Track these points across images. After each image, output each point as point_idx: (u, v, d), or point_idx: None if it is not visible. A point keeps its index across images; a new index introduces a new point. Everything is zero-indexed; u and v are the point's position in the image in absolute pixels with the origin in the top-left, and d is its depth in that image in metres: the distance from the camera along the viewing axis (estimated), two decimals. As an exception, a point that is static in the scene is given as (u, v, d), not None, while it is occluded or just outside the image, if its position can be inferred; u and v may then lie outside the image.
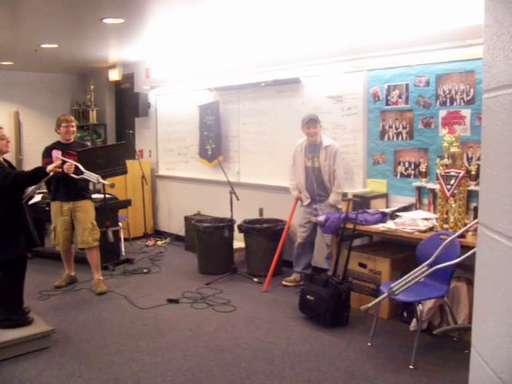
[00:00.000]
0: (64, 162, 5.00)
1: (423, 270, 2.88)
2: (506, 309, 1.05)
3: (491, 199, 1.12)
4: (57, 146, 5.64)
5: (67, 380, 3.64)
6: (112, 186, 5.34)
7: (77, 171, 5.14)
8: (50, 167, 4.50)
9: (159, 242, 8.01)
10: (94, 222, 5.65)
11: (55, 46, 7.13)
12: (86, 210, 5.60)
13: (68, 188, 5.46)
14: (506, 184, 1.03)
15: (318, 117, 5.42)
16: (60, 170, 4.68)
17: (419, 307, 3.83)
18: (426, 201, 4.93)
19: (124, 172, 5.94)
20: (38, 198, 6.97)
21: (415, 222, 4.54)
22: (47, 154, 5.58)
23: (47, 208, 6.73)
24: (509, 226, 1.03)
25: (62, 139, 5.64)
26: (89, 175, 5.14)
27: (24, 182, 4.32)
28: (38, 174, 4.43)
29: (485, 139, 1.15)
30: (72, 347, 4.18)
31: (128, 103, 9.11)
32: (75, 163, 5.10)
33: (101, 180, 5.16)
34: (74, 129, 5.72)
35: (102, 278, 5.71)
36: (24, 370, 3.77)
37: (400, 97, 5.14)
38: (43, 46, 7.09)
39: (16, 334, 4.03)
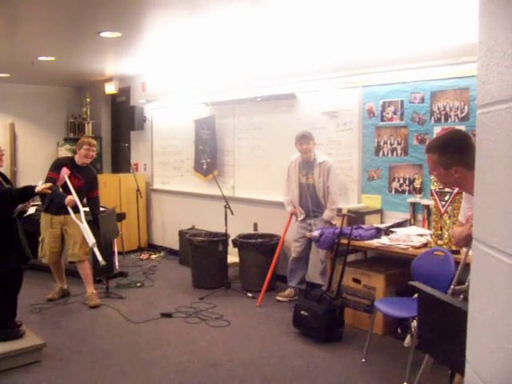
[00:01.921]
0: (54, 185, 4.92)
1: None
2: (498, 322, 1.05)
3: (486, 214, 1.12)
4: (69, 163, 5.52)
5: (58, 394, 3.60)
6: (103, 265, 5.19)
7: (75, 208, 5.22)
8: (38, 188, 4.33)
9: (153, 256, 7.97)
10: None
11: (52, 58, 7.15)
12: (77, 224, 5.40)
13: (60, 202, 5.35)
14: (500, 199, 1.04)
15: (312, 134, 5.44)
16: (49, 191, 4.49)
17: (413, 323, 3.82)
18: (420, 217, 4.94)
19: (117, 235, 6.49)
20: (31, 210, 6.94)
21: (409, 237, 4.54)
22: (56, 168, 5.44)
23: (40, 220, 6.72)
24: (504, 241, 1.03)
25: (78, 160, 5.56)
26: (87, 233, 5.16)
27: (11, 200, 4.21)
28: (25, 194, 4.29)
29: (479, 154, 1.16)
30: (63, 361, 4.14)
31: (124, 116, 9.12)
32: (77, 201, 5.19)
33: (95, 249, 5.11)
34: (94, 154, 5.67)
35: (94, 291, 5.64)
36: (15, 383, 3.73)
37: (395, 113, 5.17)
38: (40, 58, 7.11)
39: (7, 347, 3.99)
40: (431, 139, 2.64)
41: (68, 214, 5.35)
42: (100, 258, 5.05)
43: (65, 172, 5.32)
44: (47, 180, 5.11)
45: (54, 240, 5.56)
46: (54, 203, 5.38)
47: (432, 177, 4.50)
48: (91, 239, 5.12)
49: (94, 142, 5.67)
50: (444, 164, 2.50)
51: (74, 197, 5.21)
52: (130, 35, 5.87)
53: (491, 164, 1.08)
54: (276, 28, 5.56)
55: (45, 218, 5.61)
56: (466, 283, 2.72)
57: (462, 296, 2.72)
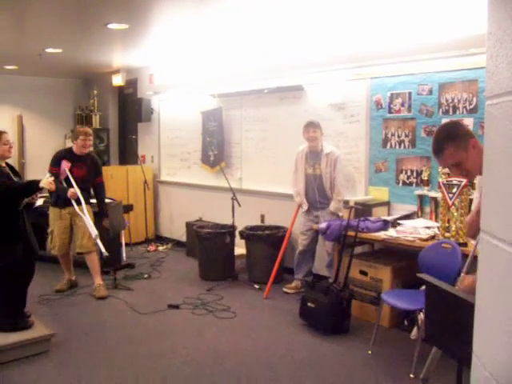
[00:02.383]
0: (56, 177, 5.00)
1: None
2: (506, 315, 1.05)
3: (494, 206, 1.12)
4: (68, 155, 5.55)
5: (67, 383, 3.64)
6: (106, 256, 5.13)
7: (78, 201, 5.26)
8: (42, 183, 4.39)
9: (160, 248, 8.00)
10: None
11: (59, 50, 7.15)
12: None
13: (64, 195, 5.36)
14: (509, 191, 1.03)
15: (320, 123, 5.42)
16: (53, 188, 4.61)
17: (420, 315, 3.82)
18: (427, 209, 4.93)
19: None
20: (39, 202, 6.98)
21: (417, 230, 4.53)
22: (55, 163, 5.46)
23: (49, 212, 6.75)
24: (510, 233, 1.02)
25: (77, 151, 5.57)
26: (90, 225, 5.17)
27: (15, 195, 4.25)
28: (30, 188, 4.36)
29: (487, 146, 1.15)
30: (71, 351, 4.17)
31: (131, 108, 9.13)
32: (79, 194, 5.23)
33: (98, 240, 5.10)
34: (91, 142, 5.67)
35: (102, 282, 5.67)
36: (23, 373, 3.76)
37: (403, 105, 5.14)
38: (47, 50, 7.11)
39: (16, 337, 4.02)
40: (432, 141, 2.60)
41: (77, 205, 5.35)
42: (103, 249, 5.03)
43: (65, 165, 5.34)
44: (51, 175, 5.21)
45: (64, 231, 5.60)
46: (61, 197, 5.41)
47: (439, 169, 4.48)
48: (94, 231, 5.12)
49: (89, 131, 5.69)
50: (462, 147, 2.49)
51: (75, 189, 5.25)
52: (138, 27, 5.86)
53: (500, 156, 1.07)
54: (284, 20, 5.53)
55: (53, 211, 5.65)
56: (462, 274, 2.71)
57: None
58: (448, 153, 2.50)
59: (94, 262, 5.65)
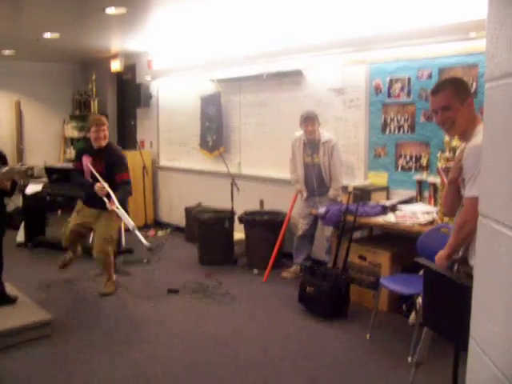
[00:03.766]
0: (82, 176, 4.97)
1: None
2: (504, 298, 1.05)
3: (493, 190, 1.12)
4: (87, 151, 5.08)
5: (68, 367, 3.66)
6: (148, 248, 4.96)
7: (108, 196, 4.77)
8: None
9: (159, 233, 8.01)
10: (114, 236, 5.21)
11: (57, 35, 7.09)
12: (110, 221, 5.02)
13: (90, 192, 4.92)
14: (509, 172, 1.03)
15: (317, 113, 5.41)
16: (105, 193, 4.66)
17: (418, 300, 3.83)
18: (426, 194, 4.93)
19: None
20: (38, 187, 6.99)
21: (415, 215, 4.54)
22: (77, 158, 5.13)
23: (48, 198, 6.76)
24: (510, 216, 1.02)
25: (94, 145, 5.04)
26: (126, 218, 4.72)
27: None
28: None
29: (487, 128, 1.15)
30: (72, 336, 4.20)
31: (130, 94, 9.09)
32: (110, 192, 4.75)
33: (137, 232, 4.53)
34: (106, 133, 5.03)
35: (113, 279, 5.29)
36: (24, 357, 3.79)
37: (402, 90, 5.12)
38: (45, 35, 7.06)
39: (16, 322, 4.06)
40: (437, 82, 2.67)
41: (101, 208, 4.88)
42: (143, 240, 4.57)
43: (86, 161, 4.93)
44: (75, 171, 5.20)
45: (80, 224, 5.15)
46: (89, 196, 4.99)
47: (438, 154, 4.48)
48: (130, 223, 4.61)
49: (102, 119, 5.09)
50: (459, 97, 2.54)
51: (102, 184, 4.77)
52: (136, 11, 5.81)
53: (499, 138, 1.07)
54: (283, 4, 5.49)
55: (79, 204, 5.25)
56: (460, 253, 2.73)
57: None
58: (445, 94, 2.57)
59: (110, 264, 5.22)
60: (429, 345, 3.12)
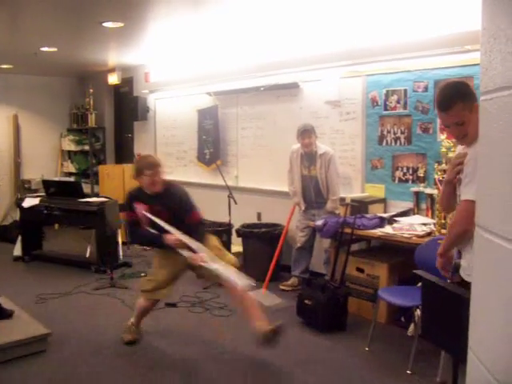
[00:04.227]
0: (139, 226, 4.08)
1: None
2: (501, 308, 1.05)
3: (489, 200, 1.12)
4: (140, 196, 4.14)
5: (65, 382, 3.63)
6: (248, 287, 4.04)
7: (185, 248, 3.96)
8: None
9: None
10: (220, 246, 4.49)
11: (54, 49, 7.13)
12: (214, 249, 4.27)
13: (161, 245, 4.06)
14: (503, 185, 1.04)
15: (314, 126, 5.43)
16: (180, 245, 3.88)
17: (417, 312, 3.83)
18: (423, 206, 4.94)
19: None
20: (35, 201, 6.97)
21: (413, 226, 4.54)
22: (129, 207, 4.17)
23: (45, 211, 6.75)
24: (506, 228, 1.03)
25: (147, 190, 4.13)
26: (230, 275, 4.00)
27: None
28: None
29: (482, 141, 1.16)
30: (68, 350, 4.17)
31: (127, 107, 9.11)
32: (181, 237, 3.92)
33: (221, 272, 3.92)
34: (162, 175, 4.16)
35: (134, 324, 4.36)
36: (20, 372, 3.76)
37: (398, 102, 5.15)
38: (42, 49, 7.09)
39: (13, 336, 4.02)
40: (439, 96, 2.61)
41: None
42: (238, 281, 3.87)
43: (141, 209, 4.05)
44: (129, 223, 4.27)
45: (171, 277, 4.24)
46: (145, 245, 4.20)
47: (435, 165, 4.49)
48: (241, 281, 3.95)
49: (156, 160, 4.22)
50: (467, 107, 2.51)
51: (174, 232, 3.94)
52: (133, 25, 5.85)
53: (494, 150, 1.08)
54: (279, 17, 5.52)
55: (159, 254, 4.31)
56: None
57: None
58: (456, 110, 2.51)
59: (140, 304, 4.35)
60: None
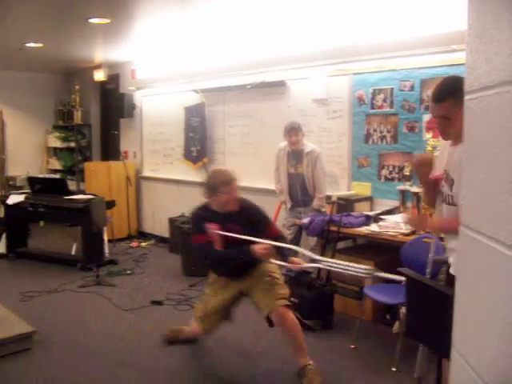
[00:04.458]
0: (212, 247, 3.58)
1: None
2: (486, 307, 1.06)
3: (474, 200, 1.13)
4: (210, 216, 3.69)
5: (49, 381, 3.61)
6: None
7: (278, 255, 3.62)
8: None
9: (143, 244, 7.97)
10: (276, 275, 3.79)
11: (40, 45, 7.07)
12: (261, 280, 3.70)
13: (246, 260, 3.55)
14: (488, 185, 1.04)
15: (301, 123, 5.42)
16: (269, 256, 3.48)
17: (402, 309, 3.85)
18: (409, 204, 4.96)
19: None
20: (20, 198, 6.92)
21: (399, 225, 4.57)
22: (199, 229, 3.64)
23: (30, 208, 6.70)
24: (492, 227, 1.03)
25: (219, 208, 3.70)
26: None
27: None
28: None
29: (467, 141, 1.17)
30: (54, 349, 4.14)
31: (113, 104, 9.05)
32: (269, 244, 3.48)
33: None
34: (236, 189, 3.73)
35: (311, 362, 3.52)
36: (5, 370, 3.73)
37: (385, 101, 5.17)
38: (28, 45, 7.03)
39: (-3, 335, 4.00)
40: (437, 86, 2.64)
41: (245, 273, 3.69)
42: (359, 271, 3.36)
43: (213, 229, 3.58)
44: (201, 247, 3.65)
45: (219, 305, 3.81)
46: (228, 266, 3.68)
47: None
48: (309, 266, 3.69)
49: (231, 174, 3.73)
50: (458, 104, 2.53)
51: (261, 243, 3.48)
52: (119, 21, 5.82)
53: (479, 150, 1.08)
54: (266, 15, 5.53)
55: (214, 278, 3.90)
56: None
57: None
58: (447, 104, 2.57)
59: (290, 322, 3.59)
60: (427, 358, 3.15)
